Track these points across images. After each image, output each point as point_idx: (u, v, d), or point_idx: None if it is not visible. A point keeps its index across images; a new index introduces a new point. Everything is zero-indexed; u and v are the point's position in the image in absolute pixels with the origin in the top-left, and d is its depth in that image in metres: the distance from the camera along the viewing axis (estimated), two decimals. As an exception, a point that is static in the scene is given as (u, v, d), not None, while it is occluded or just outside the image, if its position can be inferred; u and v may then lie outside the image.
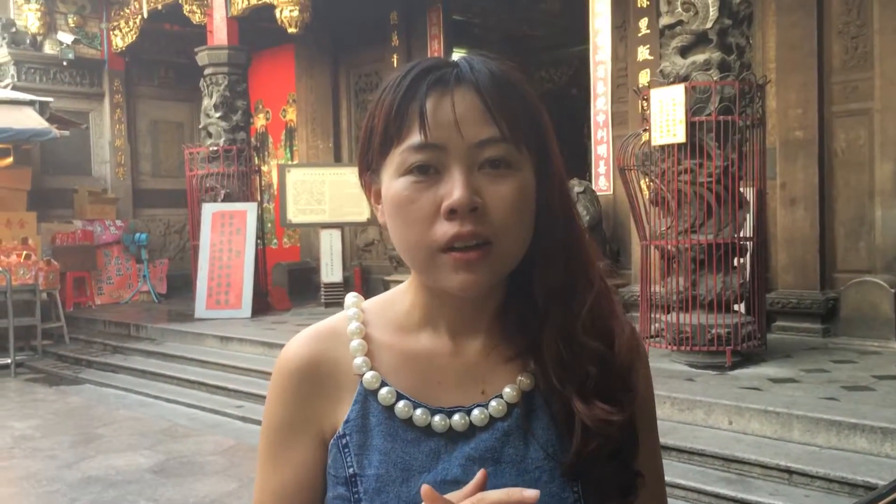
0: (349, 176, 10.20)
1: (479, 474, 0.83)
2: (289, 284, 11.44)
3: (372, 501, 0.88)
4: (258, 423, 6.46)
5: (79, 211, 12.31)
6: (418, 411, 0.91)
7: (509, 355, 0.94)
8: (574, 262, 0.92)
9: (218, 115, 10.67)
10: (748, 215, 6.10)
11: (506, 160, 0.87)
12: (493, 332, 0.95)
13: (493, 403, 0.91)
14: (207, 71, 10.72)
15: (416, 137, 0.86)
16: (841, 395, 4.94)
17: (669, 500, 3.90)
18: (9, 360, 9.08)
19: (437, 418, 0.90)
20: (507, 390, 0.92)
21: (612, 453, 0.89)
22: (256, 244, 10.23)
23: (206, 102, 10.80)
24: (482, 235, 0.85)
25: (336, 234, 10.22)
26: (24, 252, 10.24)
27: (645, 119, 6.26)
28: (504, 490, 0.79)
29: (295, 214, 10.23)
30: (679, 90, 5.78)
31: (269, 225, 12.72)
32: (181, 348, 8.76)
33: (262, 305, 10.17)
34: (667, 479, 4.33)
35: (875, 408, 4.60)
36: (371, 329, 0.97)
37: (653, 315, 6.23)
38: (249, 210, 10.15)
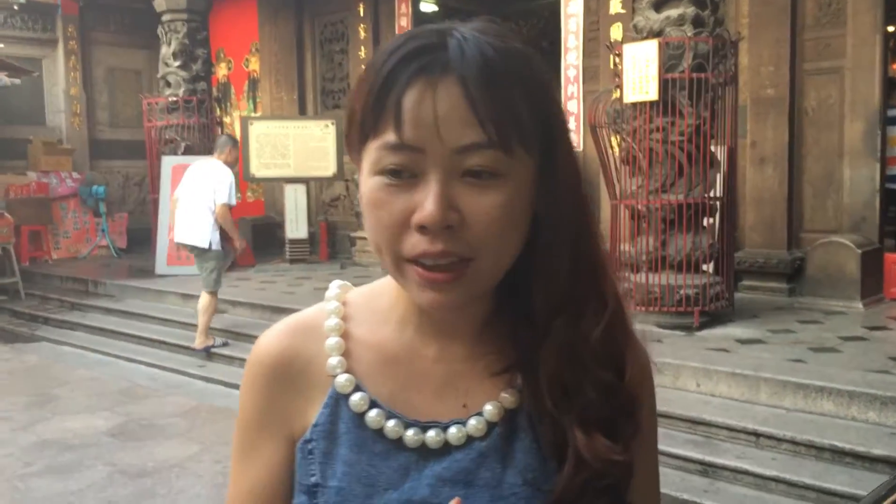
0: (314, 129, 9.95)
1: (452, 503, 0.74)
2: (252, 240, 11.19)
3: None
4: (221, 383, 6.36)
5: (33, 162, 11.91)
6: (391, 422, 0.82)
7: (496, 368, 0.83)
8: (585, 278, 0.81)
9: (177, 63, 10.33)
10: (718, 175, 6.05)
11: (491, 169, 0.75)
12: (483, 339, 0.85)
13: (472, 422, 0.82)
14: (165, 17, 10.34)
15: (391, 136, 0.75)
16: (807, 356, 4.95)
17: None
18: (-39, 317, 8.82)
19: (410, 432, 0.82)
20: (489, 408, 0.83)
21: (604, 488, 0.79)
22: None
23: (165, 50, 10.44)
24: (455, 254, 0.75)
25: (301, 188, 10.00)
26: (-24, 205, 9.90)
27: (617, 75, 6.13)
28: None
29: (258, 168, 9.97)
30: (652, 46, 5.65)
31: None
32: (142, 305, 8.57)
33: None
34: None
35: (841, 370, 4.61)
36: (352, 324, 0.88)
37: (621, 275, 6.18)
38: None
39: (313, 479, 0.83)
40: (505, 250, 0.77)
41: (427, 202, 0.73)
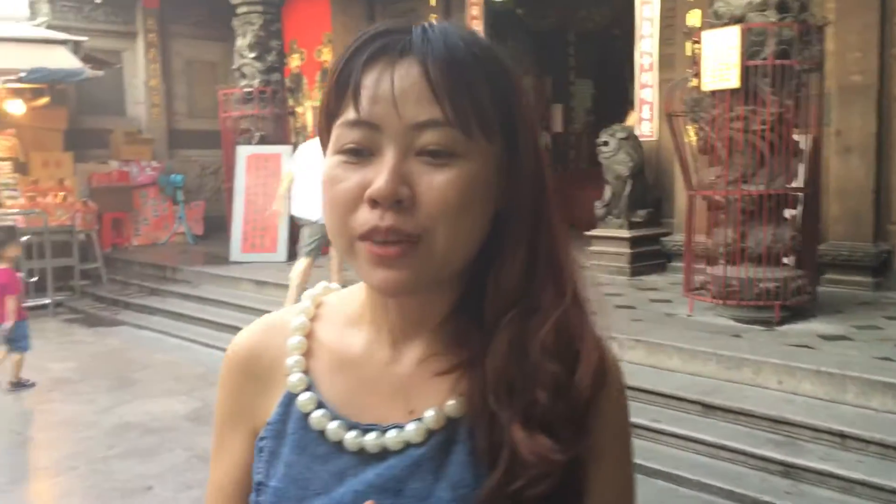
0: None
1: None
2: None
3: (266, 495, 0.82)
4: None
5: (115, 152, 12.28)
6: (333, 424, 0.81)
7: (443, 368, 0.80)
8: (542, 269, 0.79)
9: (252, 55, 10.48)
10: (801, 165, 5.84)
11: (448, 147, 0.74)
12: (436, 339, 0.82)
13: (410, 426, 0.79)
14: (241, 10, 10.50)
15: (350, 113, 0.76)
16: (896, 354, 4.75)
17: (715, 461, 3.76)
18: (48, 301, 9.17)
19: (350, 434, 0.80)
20: (430, 413, 0.79)
21: (539, 499, 0.74)
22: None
23: (240, 42, 10.61)
24: (404, 232, 0.73)
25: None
26: (61, 193, 10.26)
27: (695, 62, 5.96)
28: None
29: (330, 158, 10.06)
30: (734, 32, 5.47)
31: (304, 168, 12.60)
32: (217, 292, 8.76)
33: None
34: (713, 440, 4.15)
35: (933, 370, 4.40)
36: (320, 325, 0.88)
37: (697, 267, 6.04)
38: (284, 153, 10.00)
39: (258, 478, 0.83)
40: (459, 233, 0.75)
41: (380, 177, 0.73)
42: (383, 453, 0.79)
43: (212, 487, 0.91)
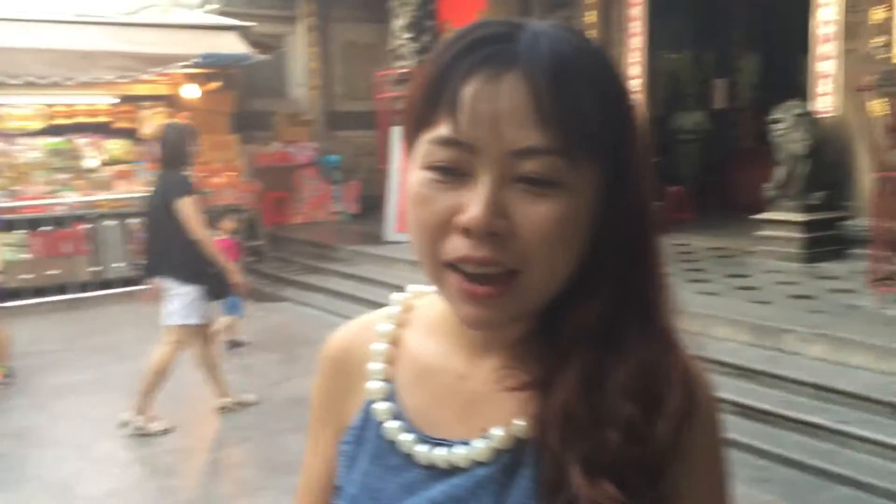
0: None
1: None
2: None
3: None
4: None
5: (277, 133, 12.78)
6: (404, 436, 0.79)
7: (514, 385, 0.75)
8: (632, 305, 0.72)
9: (407, 36, 10.57)
10: None
11: (550, 177, 0.67)
12: (512, 355, 0.77)
13: (478, 443, 0.76)
14: (398, -10, 10.58)
15: (444, 128, 0.69)
16: None
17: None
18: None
19: (420, 448, 0.78)
20: (499, 432, 0.75)
21: None
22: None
23: (396, 23, 10.72)
24: (500, 263, 0.68)
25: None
26: (229, 173, 10.78)
27: (886, 32, 5.45)
28: None
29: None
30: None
31: (457, 147, 12.65)
32: (373, 271, 8.94)
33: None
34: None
35: None
36: (408, 330, 0.86)
37: (885, 255, 5.56)
38: (439, 133, 10.07)
39: (338, 482, 0.83)
40: (556, 267, 0.70)
41: (473, 204, 0.67)
42: (452, 469, 0.76)
43: (301, 483, 0.91)
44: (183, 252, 4.80)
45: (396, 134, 10.32)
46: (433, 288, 0.83)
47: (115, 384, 5.70)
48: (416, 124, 0.73)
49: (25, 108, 9.83)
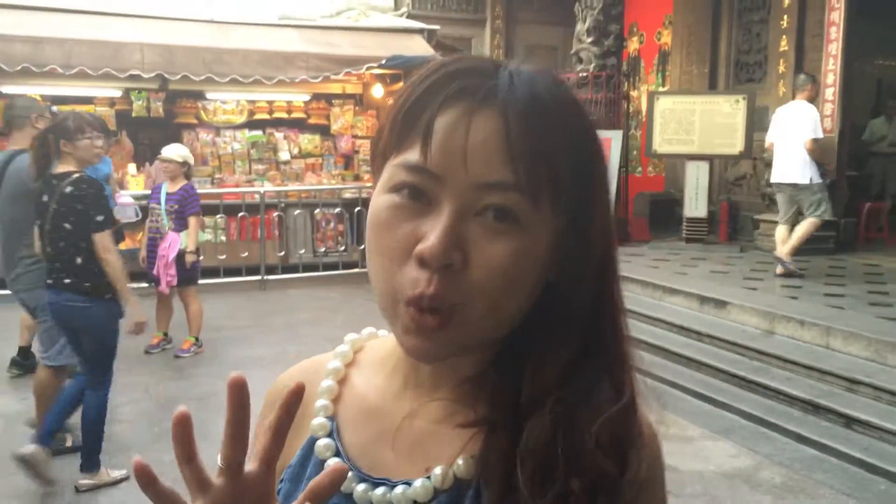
0: (722, 105, 9.52)
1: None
2: (650, 215, 11.14)
3: None
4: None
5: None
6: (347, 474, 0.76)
7: (462, 422, 0.74)
8: (598, 360, 0.72)
9: (590, 40, 10.56)
10: None
11: (513, 213, 0.68)
12: (463, 394, 0.76)
13: (417, 483, 0.75)
14: (583, -6, 10.60)
15: (414, 155, 0.69)
16: None
17: None
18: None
19: (360, 487, 0.77)
20: (438, 471, 0.74)
21: None
22: (620, 172, 10.10)
23: (580, 27, 10.74)
24: (447, 300, 0.68)
25: (703, 166, 9.65)
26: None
27: None
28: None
29: (661, 144, 9.84)
30: None
31: (635, 152, 12.45)
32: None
33: (622, 234, 10.05)
34: None
35: None
36: (355, 370, 0.87)
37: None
38: (614, 138, 9.97)
39: None
40: (501, 304, 0.69)
41: (433, 233, 0.67)
42: None
43: None
44: None
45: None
46: (384, 332, 0.88)
47: (290, 361, 6.17)
48: (387, 148, 0.74)
49: (230, 103, 10.79)
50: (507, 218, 0.68)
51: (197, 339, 6.58)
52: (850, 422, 4.82)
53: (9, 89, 8.98)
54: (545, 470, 0.68)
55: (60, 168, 4.04)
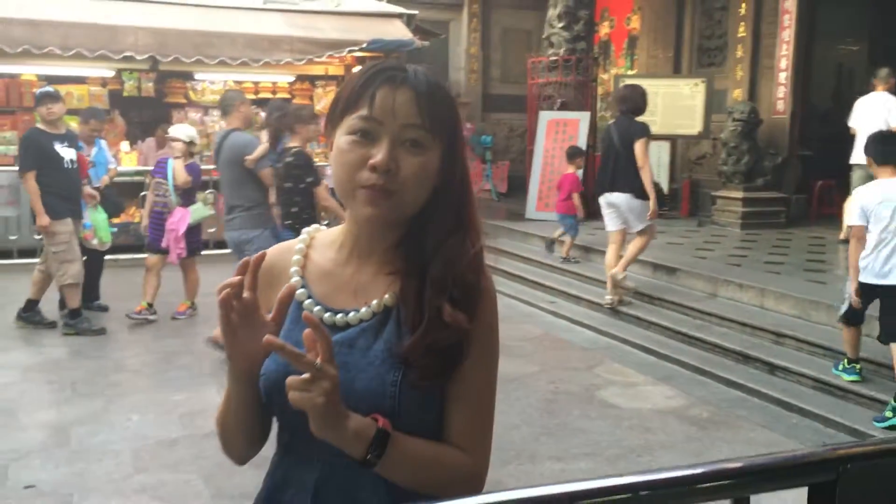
0: (683, 88, 10.13)
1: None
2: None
3: (269, 361, 1.23)
4: (566, 318, 7.11)
5: (436, 113, 13.65)
6: (316, 308, 1.26)
7: (389, 277, 1.26)
8: (464, 225, 1.25)
9: (560, 25, 11.11)
10: None
11: (421, 141, 1.21)
12: (385, 259, 1.28)
13: (363, 310, 1.26)
14: (554, -19, 11.12)
15: (364, 110, 1.20)
16: None
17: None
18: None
19: (326, 314, 1.26)
20: (374, 302, 1.25)
21: (441, 349, 1.19)
22: (588, 150, 10.66)
23: (551, 13, 11.28)
24: (389, 189, 1.19)
25: (665, 146, 10.28)
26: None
27: None
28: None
29: (626, 125, 10.42)
30: None
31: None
32: (510, 244, 9.65)
33: (589, 210, 10.65)
34: None
35: None
36: (313, 250, 1.35)
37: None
38: (582, 119, 10.57)
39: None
40: (418, 193, 1.21)
41: (379, 153, 1.18)
42: (346, 326, 1.25)
43: None
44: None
45: (543, 117, 10.93)
46: (324, 228, 1.39)
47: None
48: (343, 110, 1.23)
49: (218, 83, 11.25)
50: (418, 145, 1.21)
51: (192, 303, 7.14)
52: (773, 369, 5.49)
53: (7, 69, 9.44)
54: (440, 287, 1.21)
55: (291, 143, 5.74)
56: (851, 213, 5.02)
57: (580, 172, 8.94)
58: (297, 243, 1.36)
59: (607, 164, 6.99)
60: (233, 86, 11.33)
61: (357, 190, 1.20)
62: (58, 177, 6.45)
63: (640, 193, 6.74)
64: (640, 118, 6.92)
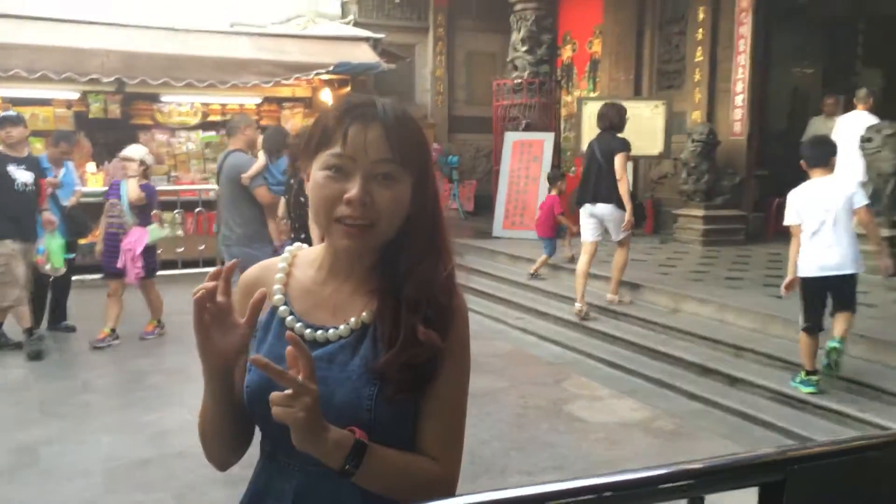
0: (644, 110, 10.36)
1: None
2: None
3: (251, 374, 1.30)
4: (534, 334, 7.23)
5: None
6: (298, 324, 1.32)
7: (367, 296, 1.32)
8: (437, 248, 1.33)
9: (524, 48, 11.35)
10: None
11: (393, 174, 1.26)
12: (363, 280, 1.34)
13: (341, 327, 1.31)
14: (517, 6, 11.39)
15: (338, 148, 1.26)
16: None
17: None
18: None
19: (307, 331, 1.31)
20: (353, 320, 1.32)
21: (415, 366, 1.25)
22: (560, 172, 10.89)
23: (514, 37, 11.53)
24: (364, 220, 1.25)
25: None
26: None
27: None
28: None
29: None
30: None
31: (569, 153, 13.26)
32: (478, 262, 9.73)
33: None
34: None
35: None
36: (295, 268, 1.40)
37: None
38: (546, 140, 10.78)
39: (251, 354, 1.29)
40: (392, 223, 1.27)
41: (354, 189, 1.24)
42: (325, 342, 1.30)
43: None
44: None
45: (509, 138, 11.12)
46: (305, 247, 1.43)
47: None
48: (318, 144, 1.28)
49: (185, 105, 11.29)
50: (390, 178, 1.26)
51: (159, 321, 7.14)
52: (733, 381, 5.65)
53: (-28, 92, 9.40)
54: (414, 307, 1.27)
55: None
56: (787, 213, 5.31)
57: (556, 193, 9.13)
58: (279, 261, 1.42)
59: (589, 177, 7.25)
60: (200, 107, 11.39)
61: (334, 224, 1.27)
62: (3, 198, 6.37)
63: (622, 204, 7.04)
64: (620, 135, 7.25)
